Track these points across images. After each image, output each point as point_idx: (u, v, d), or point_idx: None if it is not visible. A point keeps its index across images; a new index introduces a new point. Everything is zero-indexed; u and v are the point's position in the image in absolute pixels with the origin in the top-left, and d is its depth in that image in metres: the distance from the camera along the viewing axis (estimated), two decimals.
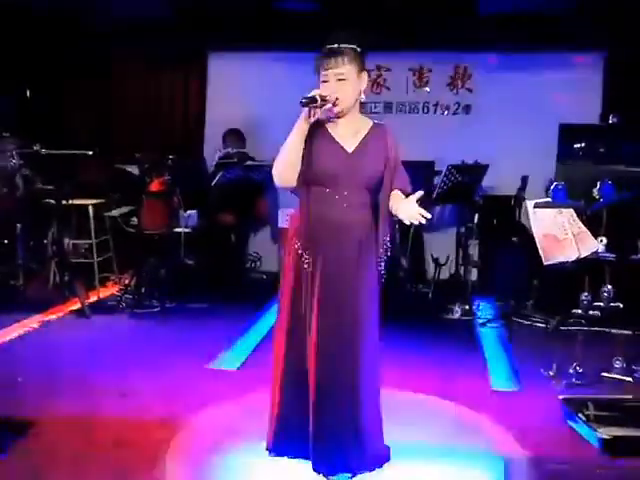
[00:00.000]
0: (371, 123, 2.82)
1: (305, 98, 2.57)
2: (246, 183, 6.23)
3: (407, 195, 2.69)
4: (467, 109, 6.98)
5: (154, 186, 5.84)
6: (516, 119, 6.65)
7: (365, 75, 2.74)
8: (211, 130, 7.26)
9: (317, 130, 2.70)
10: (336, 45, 2.66)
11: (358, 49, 2.69)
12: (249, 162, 6.46)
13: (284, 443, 2.84)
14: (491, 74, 6.87)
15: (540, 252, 4.39)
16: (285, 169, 2.70)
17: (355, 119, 2.79)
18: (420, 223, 2.61)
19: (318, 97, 2.58)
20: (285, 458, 2.87)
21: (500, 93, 6.79)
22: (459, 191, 5.57)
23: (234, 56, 7.21)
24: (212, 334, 4.93)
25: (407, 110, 7.05)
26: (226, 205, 6.50)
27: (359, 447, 2.74)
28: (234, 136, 6.82)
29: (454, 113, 7.00)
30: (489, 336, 5.14)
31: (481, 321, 5.47)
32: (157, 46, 7.02)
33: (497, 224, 6.40)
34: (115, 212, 6.14)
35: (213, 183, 6.02)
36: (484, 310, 5.77)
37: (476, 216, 5.94)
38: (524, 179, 5.56)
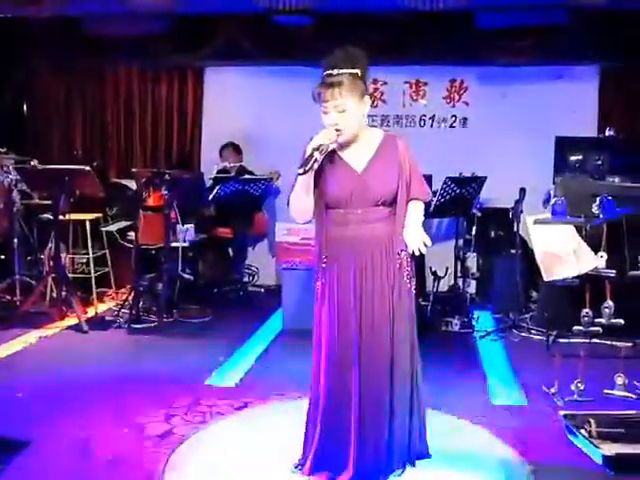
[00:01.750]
0: (381, 135, 2.79)
1: (302, 167, 2.53)
2: (243, 197, 6.22)
3: (427, 205, 2.72)
4: (464, 122, 6.97)
5: (151, 201, 5.82)
6: (513, 131, 6.64)
7: (367, 99, 2.69)
8: (208, 144, 7.26)
9: (326, 155, 2.66)
10: (334, 72, 2.59)
11: (358, 72, 2.63)
12: (246, 176, 6.46)
13: (323, 462, 2.81)
14: (487, 87, 6.87)
15: (540, 268, 4.38)
16: (299, 210, 2.74)
17: (364, 136, 2.75)
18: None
19: (316, 153, 2.55)
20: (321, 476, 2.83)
21: (497, 106, 6.79)
22: (457, 203, 5.56)
23: (230, 70, 7.21)
24: (210, 349, 4.89)
25: (404, 123, 7.04)
26: (223, 219, 6.55)
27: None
28: (231, 150, 6.83)
29: (451, 126, 7.00)
30: (488, 349, 5.10)
31: (480, 334, 5.43)
32: (153, 59, 7.01)
33: (495, 236, 6.44)
34: (112, 227, 6.15)
35: (210, 197, 6.01)
36: (483, 322, 5.73)
37: (474, 228, 5.93)
38: (522, 191, 5.54)
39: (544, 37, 6.15)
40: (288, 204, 2.75)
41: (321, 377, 2.77)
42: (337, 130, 2.62)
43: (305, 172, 2.54)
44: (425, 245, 2.64)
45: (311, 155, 2.54)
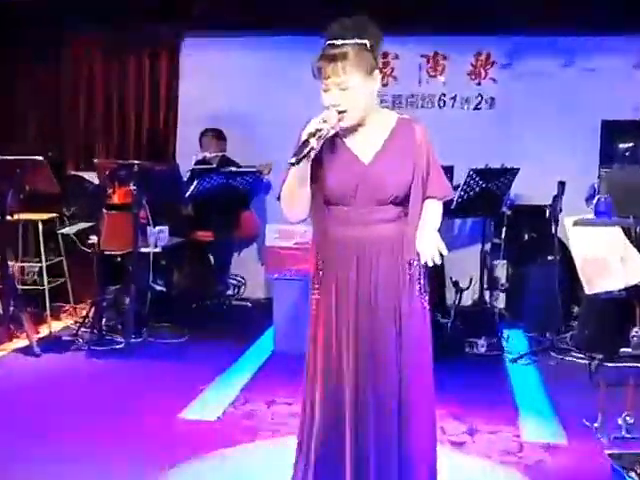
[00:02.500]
0: (395, 119, 2.75)
1: (295, 156, 2.49)
2: (227, 193, 6.24)
3: (448, 203, 2.69)
4: (491, 103, 6.99)
5: (117, 197, 5.84)
6: (550, 114, 6.66)
7: (377, 74, 2.66)
8: (185, 130, 7.28)
9: (327, 141, 2.63)
10: (338, 42, 2.56)
11: (367, 43, 2.60)
12: (231, 168, 6.46)
13: None
14: (519, 61, 6.87)
15: (581, 279, 4.37)
16: (292, 206, 2.71)
17: (373, 119, 2.72)
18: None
19: (312, 140, 2.50)
20: None
21: (530, 84, 6.80)
22: (483, 201, 5.58)
23: (212, 41, 7.20)
24: (187, 376, 4.88)
25: (419, 104, 7.05)
26: (203, 219, 6.57)
27: None
28: (213, 137, 6.85)
29: (475, 108, 7.01)
30: (520, 375, 5.11)
31: (511, 357, 5.44)
32: (119, 29, 7.02)
33: (529, 240, 6.42)
34: (70, 229, 6.14)
35: (188, 193, 6.01)
36: (514, 343, 5.74)
37: (504, 230, 5.95)
38: (561, 185, 5.52)
39: (583, 3, 6.17)
40: (279, 199, 2.73)
41: (315, 417, 2.75)
42: (339, 112, 2.59)
43: (298, 162, 2.49)
44: (441, 255, 2.63)
45: (306, 141, 2.50)
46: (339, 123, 2.60)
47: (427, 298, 2.76)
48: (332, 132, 2.58)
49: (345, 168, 2.68)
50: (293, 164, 2.50)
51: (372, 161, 2.69)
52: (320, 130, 2.52)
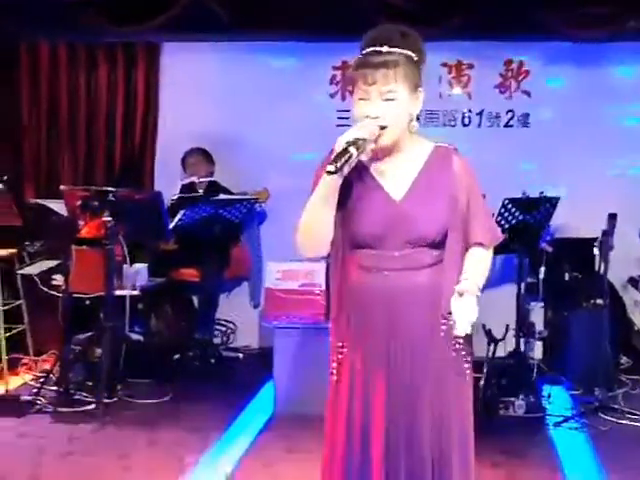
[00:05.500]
0: (430, 147, 2.77)
1: (333, 164, 2.48)
2: (217, 225, 6.23)
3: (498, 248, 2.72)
4: (525, 120, 7.01)
5: (88, 231, 5.82)
6: (595, 133, 6.67)
7: (422, 93, 2.69)
8: (165, 150, 7.28)
9: (353, 171, 2.62)
10: (385, 49, 2.59)
11: (414, 56, 2.64)
12: (221, 195, 6.47)
13: None
14: (557, 69, 6.90)
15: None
16: (313, 237, 2.69)
17: (406, 147, 2.73)
18: None
19: (352, 149, 2.49)
20: None
21: (570, 97, 6.83)
22: (519, 234, 5.57)
23: (196, 46, 7.20)
24: (170, 446, 4.83)
25: (440, 122, 7.07)
26: (188, 256, 6.53)
27: None
28: (199, 158, 6.86)
29: (507, 125, 7.03)
30: (566, 441, 5.04)
31: (554, 420, 5.38)
32: (87, 32, 6.95)
33: (571, 280, 6.42)
34: (31, 268, 6.13)
35: (171, 226, 5.97)
36: (557, 403, 5.69)
37: (542, 269, 5.90)
38: (612, 218, 5.50)
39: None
40: (297, 230, 2.70)
41: None
42: (381, 127, 2.58)
43: (337, 170, 2.47)
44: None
45: (345, 150, 2.49)
46: (379, 139, 2.60)
47: (469, 359, 2.76)
48: (371, 147, 2.58)
49: (374, 205, 2.70)
50: (331, 172, 2.48)
51: (405, 197, 2.70)
52: (360, 140, 2.52)
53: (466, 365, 2.74)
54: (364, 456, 2.70)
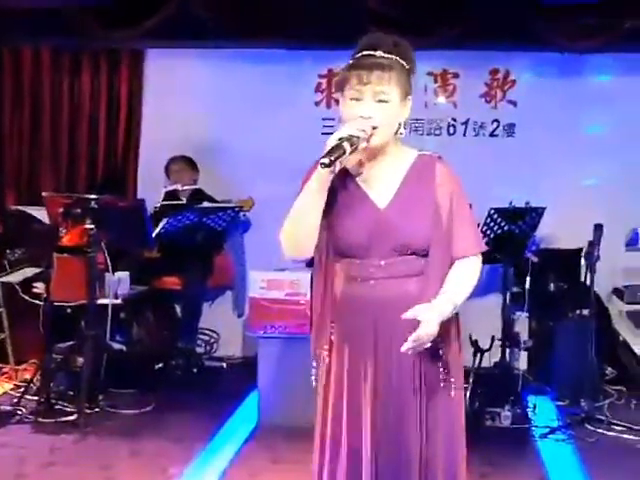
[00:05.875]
0: (414, 156, 2.76)
1: (327, 157, 2.48)
2: (200, 233, 6.22)
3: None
4: (510, 129, 7.02)
5: (70, 238, 5.79)
6: (581, 143, 6.71)
7: (410, 102, 2.71)
8: (149, 157, 7.27)
9: (336, 178, 2.63)
10: (378, 53, 2.62)
11: (406, 65, 2.67)
12: (205, 203, 6.47)
13: None
14: (543, 80, 6.93)
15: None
16: (299, 238, 2.67)
17: (391, 154, 2.73)
18: None
19: (345, 144, 2.49)
20: None
21: (556, 107, 6.83)
22: (504, 245, 5.57)
23: (183, 53, 7.22)
24: (153, 457, 4.80)
25: (425, 131, 7.07)
26: (171, 264, 6.52)
27: None
28: (183, 166, 6.84)
29: (492, 134, 7.04)
30: (552, 453, 5.03)
31: (540, 431, 5.37)
32: (71, 37, 6.96)
33: (557, 290, 6.42)
34: (12, 276, 6.11)
35: (154, 234, 5.95)
36: (543, 414, 5.68)
37: (527, 279, 5.91)
38: (598, 228, 5.52)
39: (618, 14, 6.20)
40: (280, 232, 2.69)
41: None
42: (373, 127, 2.58)
43: (330, 163, 2.47)
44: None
45: (338, 146, 2.49)
46: (371, 139, 2.60)
47: (457, 377, 2.74)
48: (363, 146, 2.58)
49: (358, 212, 2.70)
50: (324, 165, 2.48)
51: (389, 204, 2.71)
52: (354, 137, 2.53)
53: (451, 385, 2.72)
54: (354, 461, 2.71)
